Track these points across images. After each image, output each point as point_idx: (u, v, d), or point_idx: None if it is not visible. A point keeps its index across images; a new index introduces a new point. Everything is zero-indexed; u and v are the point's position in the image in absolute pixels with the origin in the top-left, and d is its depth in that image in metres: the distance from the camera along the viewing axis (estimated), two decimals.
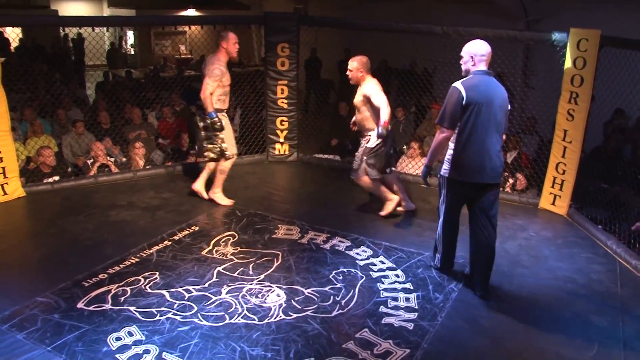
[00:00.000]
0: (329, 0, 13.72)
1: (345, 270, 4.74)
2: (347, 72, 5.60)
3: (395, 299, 4.32)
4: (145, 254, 4.93)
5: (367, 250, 5.12)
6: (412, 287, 4.49)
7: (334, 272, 4.69)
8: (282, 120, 7.42)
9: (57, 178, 6.67)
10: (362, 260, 4.93)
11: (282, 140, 7.51)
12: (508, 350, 3.80)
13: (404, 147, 7.81)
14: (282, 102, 7.35)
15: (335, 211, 6.01)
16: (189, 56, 17.20)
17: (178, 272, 4.63)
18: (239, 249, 5.04)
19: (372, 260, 4.93)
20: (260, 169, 7.34)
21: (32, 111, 7.95)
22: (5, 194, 6.10)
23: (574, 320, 4.18)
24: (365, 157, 5.65)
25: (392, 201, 5.84)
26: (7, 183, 6.10)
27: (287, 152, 7.56)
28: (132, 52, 19.70)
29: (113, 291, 4.30)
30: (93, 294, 4.26)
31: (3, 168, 6.04)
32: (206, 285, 4.43)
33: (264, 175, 7.13)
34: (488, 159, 4.14)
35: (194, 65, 15.22)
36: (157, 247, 5.06)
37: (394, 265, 4.84)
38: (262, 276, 4.58)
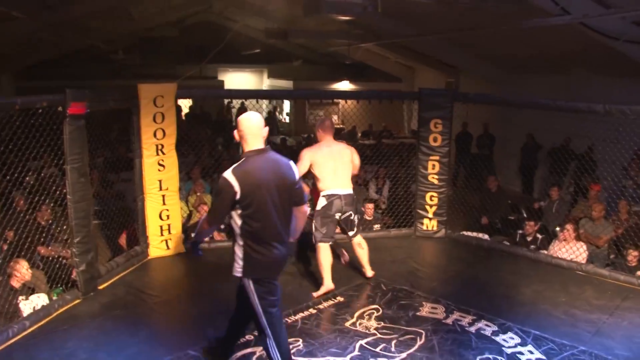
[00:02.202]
0: (480, 74, 13.69)
1: (490, 357, 4.53)
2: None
3: None
4: (290, 320, 5.05)
5: (515, 337, 4.86)
6: None
7: (479, 357, 4.50)
8: (431, 196, 7.40)
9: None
10: (509, 347, 4.68)
11: (430, 215, 7.46)
12: None
13: (557, 228, 7.45)
14: (433, 177, 7.34)
15: (482, 292, 5.81)
16: (341, 126, 17.81)
17: (321, 341, 4.68)
18: (382, 324, 5.01)
19: (519, 349, 4.67)
20: (407, 244, 7.32)
21: (199, 172, 8.61)
22: (168, 248, 6.62)
23: None
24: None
25: (324, 286, 5.62)
26: (170, 239, 6.62)
27: (435, 228, 7.49)
28: (287, 120, 20.79)
29: (258, 353, 4.43)
30: (239, 353, 4.43)
31: (169, 225, 6.57)
32: (347, 358, 4.43)
33: (410, 250, 7.10)
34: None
35: (346, 135, 15.73)
36: (302, 315, 5.17)
37: (544, 357, 4.54)
38: (404, 354, 4.50)
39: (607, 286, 6.05)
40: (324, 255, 5.58)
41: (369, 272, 5.96)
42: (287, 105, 20.81)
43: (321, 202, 5.58)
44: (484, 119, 11.84)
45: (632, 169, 8.10)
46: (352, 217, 5.71)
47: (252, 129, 3.67)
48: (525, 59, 11.21)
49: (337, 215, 5.61)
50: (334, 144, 5.67)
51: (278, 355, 3.74)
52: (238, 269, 3.72)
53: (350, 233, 5.79)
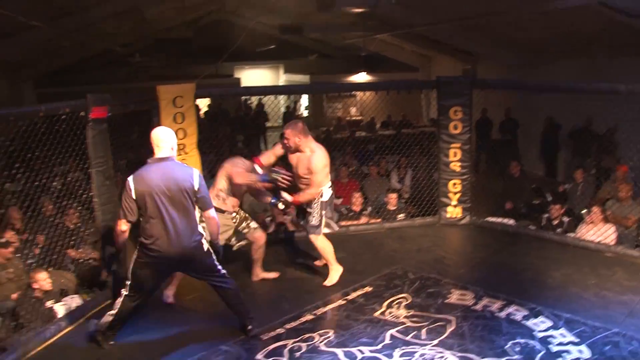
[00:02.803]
0: (497, 60, 13.58)
1: (522, 341, 4.51)
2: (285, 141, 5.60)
3: None
4: (320, 311, 5.09)
5: (546, 321, 4.83)
6: None
7: (510, 342, 4.48)
8: (454, 183, 7.37)
9: None
10: (540, 331, 4.66)
11: (454, 203, 7.44)
12: None
13: (583, 211, 7.38)
14: (455, 165, 7.32)
15: (511, 277, 5.78)
16: (360, 118, 17.80)
17: (351, 332, 4.70)
18: (411, 312, 5.02)
19: (551, 332, 4.64)
20: (432, 232, 7.31)
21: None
22: None
23: None
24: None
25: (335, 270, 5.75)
26: None
27: (459, 215, 7.47)
28: (306, 115, 20.80)
29: (289, 346, 4.48)
30: (271, 347, 4.48)
31: None
32: (379, 347, 4.45)
33: (436, 238, 7.09)
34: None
35: (365, 126, 15.73)
36: (331, 306, 5.20)
37: (577, 340, 4.51)
38: (435, 341, 4.51)
39: (638, 267, 6.00)
40: (327, 242, 5.69)
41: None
42: (305, 99, 20.81)
43: (328, 193, 5.61)
44: (505, 104, 11.75)
45: None
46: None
47: (155, 141, 4.32)
48: (544, 42, 11.09)
49: None
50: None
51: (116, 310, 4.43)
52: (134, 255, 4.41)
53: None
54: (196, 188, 4.28)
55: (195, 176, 4.30)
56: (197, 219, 4.40)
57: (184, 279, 5.95)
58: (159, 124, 6.26)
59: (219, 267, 4.53)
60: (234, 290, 4.61)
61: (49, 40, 11.23)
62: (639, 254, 6.21)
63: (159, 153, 4.31)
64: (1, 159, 6.73)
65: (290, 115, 18.71)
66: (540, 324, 4.78)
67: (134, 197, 4.23)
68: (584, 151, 8.35)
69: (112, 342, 4.55)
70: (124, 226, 4.39)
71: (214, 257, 4.51)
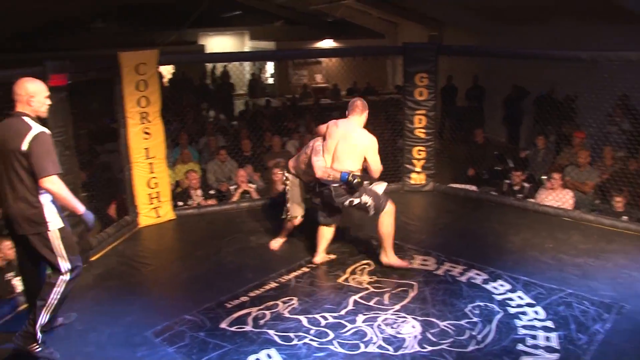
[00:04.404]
0: (463, 26, 13.59)
1: (482, 304, 4.63)
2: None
3: (534, 337, 4.15)
4: (284, 279, 5.13)
5: (505, 284, 4.96)
6: (552, 326, 4.28)
7: (470, 305, 4.60)
8: (419, 150, 7.43)
9: (201, 196, 7.14)
10: (499, 294, 4.79)
11: (418, 169, 7.50)
12: None
13: (544, 177, 7.52)
14: (420, 131, 7.36)
15: (472, 242, 5.90)
16: (325, 85, 17.71)
17: (315, 298, 4.76)
18: (374, 278, 5.10)
19: (509, 295, 4.78)
20: (395, 198, 7.24)
21: (185, 138, 8.56)
22: (158, 216, 6.64)
23: None
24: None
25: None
26: (160, 206, 6.63)
27: (423, 182, 7.55)
28: (271, 82, 20.64)
29: (253, 314, 4.51)
30: (235, 315, 4.50)
31: (158, 193, 6.58)
32: (342, 312, 4.52)
33: (399, 204, 7.04)
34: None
35: (330, 93, 15.67)
36: (295, 273, 5.25)
37: (533, 302, 4.65)
38: (397, 306, 4.60)
39: (593, 231, 6.17)
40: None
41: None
42: (270, 67, 20.60)
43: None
44: (471, 71, 11.80)
45: (616, 115, 8.14)
46: None
47: (13, 94, 3.79)
48: (510, 9, 11.10)
49: None
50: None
51: None
52: None
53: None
54: (23, 149, 3.65)
55: (28, 136, 3.65)
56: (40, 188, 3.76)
57: (140, 248, 5.96)
58: (121, 92, 6.18)
59: (63, 261, 3.88)
60: (49, 290, 3.86)
61: (5, 3, 10.85)
62: (594, 218, 6.38)
63: (16, 107, 3.79)
64: None
65: (256, 82, 18.56)
66: (499, 287, 4.91)
67: None
68: (546, 118, 8.45)
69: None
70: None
71: (61, 248, 3.86)
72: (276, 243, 5.87)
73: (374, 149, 5.08)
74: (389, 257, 5.29)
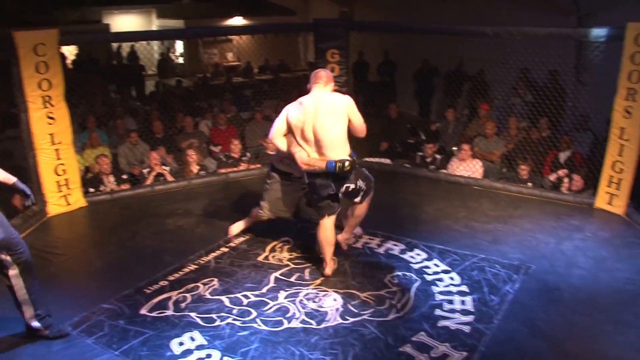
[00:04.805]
0: (373, 2, 13.72)
1: (400, 273, 4.76)
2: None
3: (450, 302, 4.32)
4: (203, 260, 5.07)
5: (421, 253, 5.13)
6: (467, 290, 4.48)
7: (389, 276, 4.72)
8: None
9: (113, 182, 6.91)
10: (416, 263, 4.94)
11: None
12: (567, 353, 3.76)
13: (454, 148, 7.77)
14: None
15: (388, 215, 6.01)
16: (237, 63, 17.47)
17: (236, 278, 4.74)
18: (294, 255, 5.14)
19: (426, 263, 4.94)
20: None
21: (93, 121, 8.21)
22: (68, 204, 6.37)
23: (635, 322, 4.08)
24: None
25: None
26: (70, 194, 6.37)
27: None
28: (181, 61, 20.14)
29: (174, 297, 4.44)
30: (155, 300, 4.41)
31: (66, 180, 6.30)
32: (264, 290, 4.53)
33: None
34: None
35: (242, 72, 15.47)
36: (214, 254, 5.19)
37: (449, 268, 4.84)
38: (318, 281, 4.66)
39: (501, 198, 6.47)
40: None
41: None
42: (180, 45, 20.09)
43: None
44: (382, 46, 11.95)
45: (519, 87, 8.51)
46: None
47: None
48: None
49: None
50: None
51: None
52: None
53: None
54: None
55: None
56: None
57: (50, 238, 5.70)
58: (19, 75, 5.84)
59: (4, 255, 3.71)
60: (11, 291, 3.80)
61: None
62: (502, 186, 6.69)
63: None
64: None
65: (166, 62, 18.04)
66: (416, 257, 5.06)
67: None
68: (455, 91, 8.72)
69: None
70: None
71: None
72: (236, 228, 5.58)
73: (354, 106, 4.49)
74: (349, 237, 5.16)
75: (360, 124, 4.54)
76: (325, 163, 4.40)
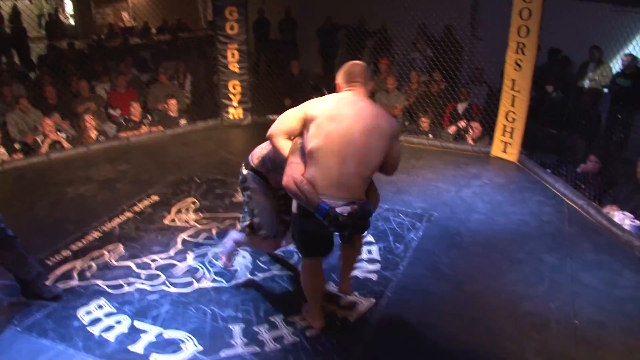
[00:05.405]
0: None
1: None
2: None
3: None
4: (107, 227, 4.92)
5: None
6: (373, 240, 4.62)
7: None
8: (234, 85, 7.40)
9: (4, 152, 6.54)
10: None
11: (235, 104, 7.49)
12: (468, 293, 3.97)
13: None
14: (234, 66, 7.31)
15: None
16: (134, 24, 16.75)
17: (142, 242, 4.65)
18: (201, 215, 5.09)
19: None
20: (215, 134, 7.32)
21: None
22: None
23: (527, 259, 4.38)
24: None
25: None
26: None
27: (241, 116, 7.56)
28: (72, 23, 19.06)
29: (78, 267, 4.30)
30: (58, 271, 4.25)
31: None
32: (172, 253, 4.47)
33: (219, 140, 7.13)
34: None
35: (139, 32, 14.85)
36: (118, 220, 5.05)
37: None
38: (226, 239, 4.63)
39: (404, 150, 6.53)
40: None
41: None
42: (69, 6, 18.98)
43: None
44: (283, 4, 11.80)
45: (418, 43, 8.69)
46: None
47: None
48: None
49: None
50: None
51: None
52: None
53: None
54: None
55: None
56: None
57: None
58: None
59: None
60: None
61: None
62: (404, 138, 6.88)
63: None
64: None
65: (54, 24, 16.99)
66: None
67: None
68: (358, 48, 8.78)
69: None
70: None
71: None
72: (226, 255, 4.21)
73: (399, 133, 3.45)
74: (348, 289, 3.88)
75: (398, 160, 3.32)
76: (317, 202, 3.01)
